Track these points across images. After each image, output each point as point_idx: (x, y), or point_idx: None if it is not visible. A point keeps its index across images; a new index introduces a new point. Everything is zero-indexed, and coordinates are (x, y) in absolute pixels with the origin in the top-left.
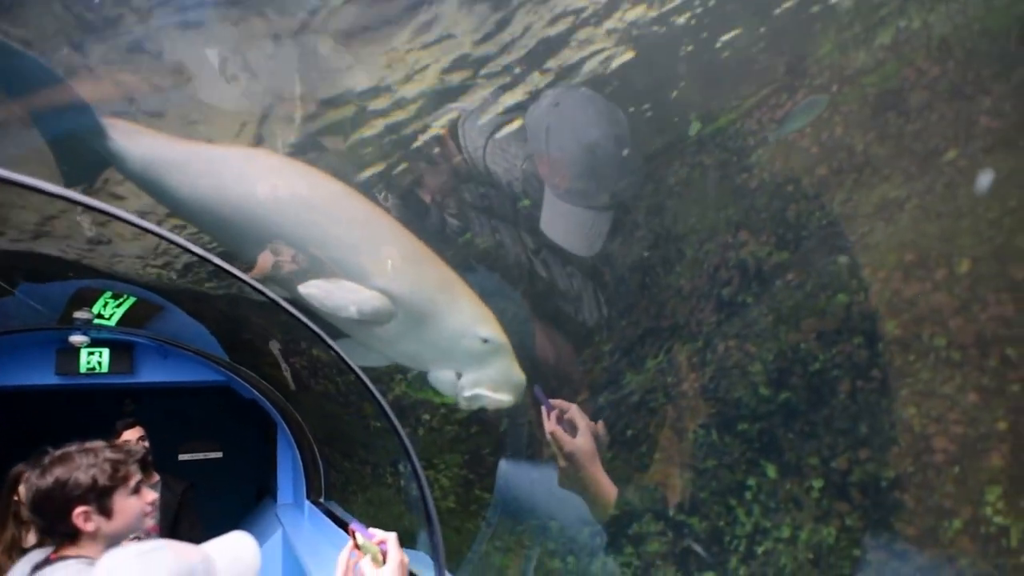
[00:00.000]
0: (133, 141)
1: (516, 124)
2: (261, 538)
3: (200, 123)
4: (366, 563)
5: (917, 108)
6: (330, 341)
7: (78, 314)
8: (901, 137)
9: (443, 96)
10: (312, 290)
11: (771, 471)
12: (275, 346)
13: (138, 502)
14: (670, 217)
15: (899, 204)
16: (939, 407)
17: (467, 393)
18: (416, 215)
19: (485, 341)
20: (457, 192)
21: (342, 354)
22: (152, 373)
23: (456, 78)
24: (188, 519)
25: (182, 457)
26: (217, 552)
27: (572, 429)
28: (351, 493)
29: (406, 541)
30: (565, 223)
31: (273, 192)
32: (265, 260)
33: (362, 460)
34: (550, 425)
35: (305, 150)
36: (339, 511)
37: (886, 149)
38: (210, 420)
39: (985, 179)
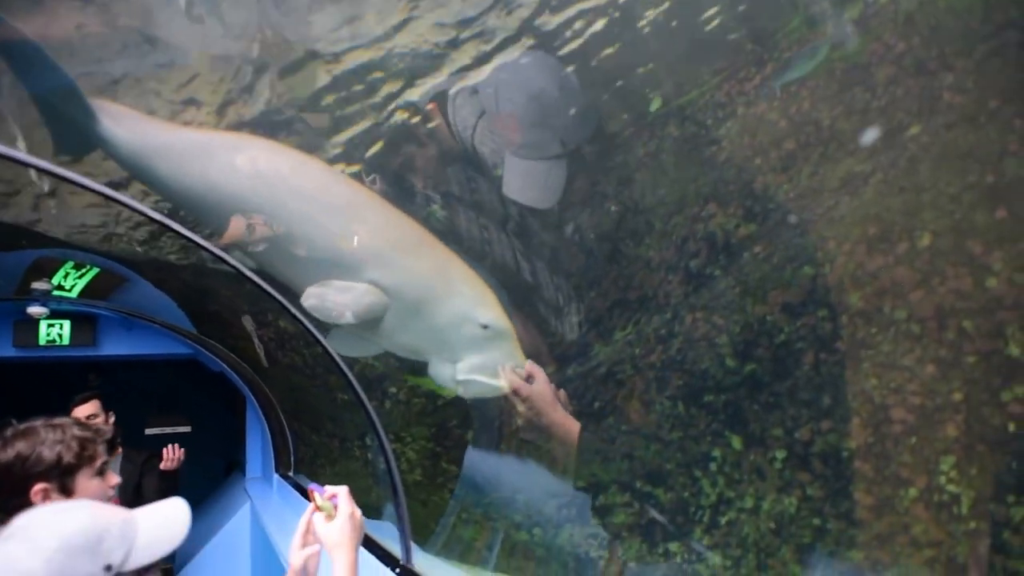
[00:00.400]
0: (123, 126)
1: None
2: (229, 512)
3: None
4: (319, 518)
5: (883, 83)
6: (296, 312)
7: (36, 285)
8: (867, 112)
9: (426, 63)
10: (312, 300)
11: (736, 442)
12: (249, 322)
13: (101, 484)
14: (639, 189)
15: (864, 178)
16: (898, 378)
17: (461, 377)
18: (393, 184)
19: (485, 327)
20: (441, 169)
21: (308, 325)
22: (116, 346)
23: (434, 41)
24: (150, 489)
25: (149, 431)
26: (143, 516)
27: (529, 378)
28: (319, 467)
29: (372, 514)
30: (523, 179)
31: (261, 178)
32: (235, 228)
33: (330, 433)
34: (506, 374)
35: (277, 118)
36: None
37: (852, 124)
38: (177, 393)
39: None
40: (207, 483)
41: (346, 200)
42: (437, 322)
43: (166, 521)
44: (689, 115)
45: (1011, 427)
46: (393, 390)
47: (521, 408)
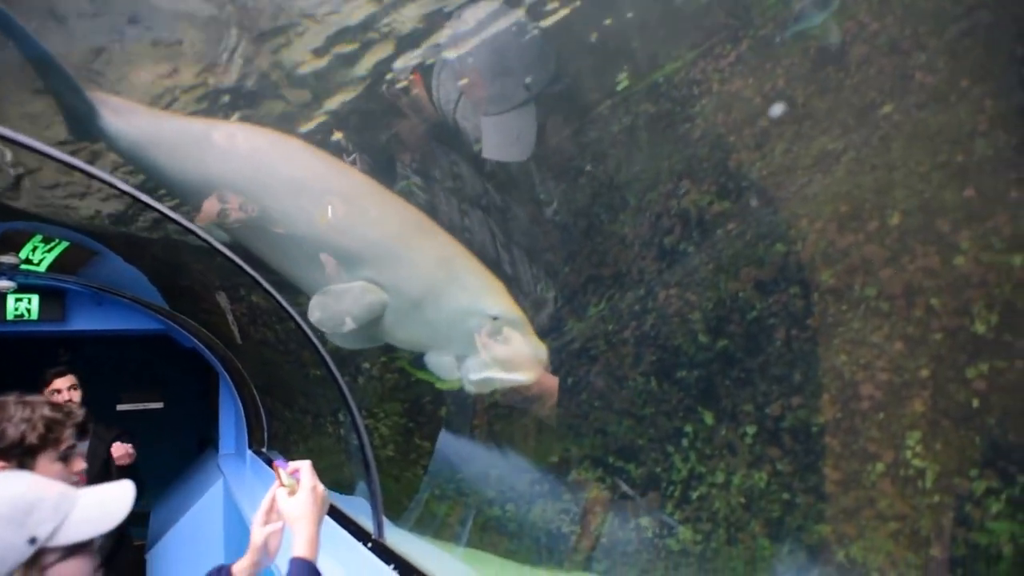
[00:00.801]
0: (123, 119)
1: None
2: (202, 488)
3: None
4: (282, 494)
5: (857, 62)
6: (268, 287)
7: (3, 258)
8: (840, 90)
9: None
10: (316, 313)
11: (708, 418)
12: (223, 299)
13: (64, 470)
14: (614, 165)
15: (836, 156)
16: (867, 355)
17: (475, 376)
18: (375, 159)
19: (495, 319)
20: (421, 142)
21: (281, 300)
22: (86, 321)
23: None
24: (117, 470)
25: (121, 408)
26: (85, 493)
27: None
28: (292, 443)
29: (345, 490)
30: (498, 135)
31: (258, 168)
32: (210, 207)
33: (303, 409)
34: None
35: (257, 86)
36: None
37: (826, 102)
38: (149, 370)
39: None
40: (180, 460)
41: (347, 191)
42: (442, 316)
43: (107, 501)
44: (664, 91)
45: (975, 403)
46: (367, 366)
47: (536, 391)
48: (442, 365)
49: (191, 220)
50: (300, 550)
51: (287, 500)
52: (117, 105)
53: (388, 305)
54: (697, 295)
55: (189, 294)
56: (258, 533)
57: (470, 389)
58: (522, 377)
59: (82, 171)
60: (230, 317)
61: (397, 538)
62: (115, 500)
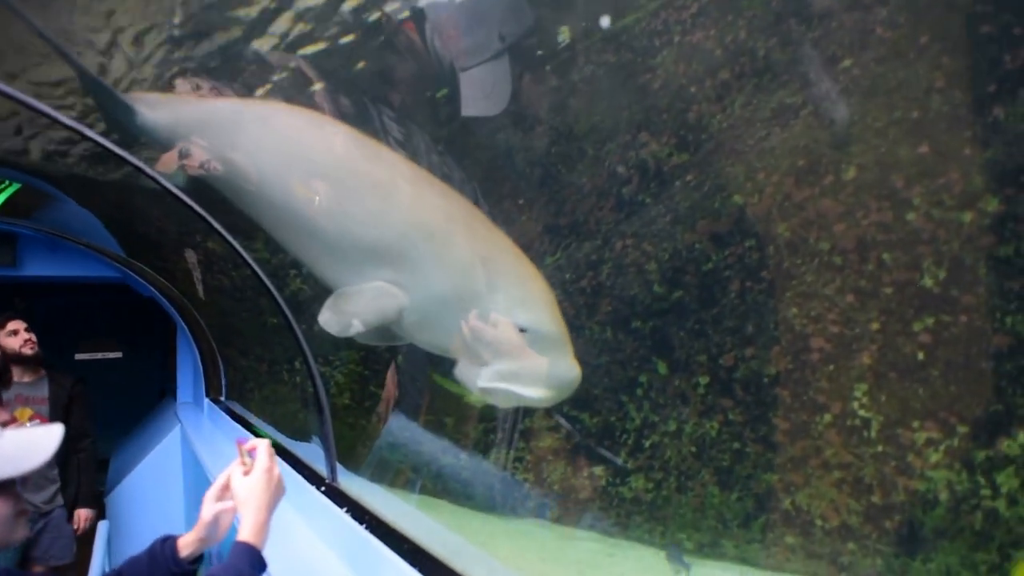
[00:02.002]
0: (158, 112)
1: None
2: (159, 436)
3: None
4: (237, 471)
5: (819, 15)
6: (224, 232)
7: None
8: (802, 44)
9: None
10: (325, 315)
11: (662, 368)
12: (192, 256)
13: None
14: (572, 115)
15: (795, 110)
16: (819, 307)
17: (482, 383)
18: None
19: (523, 331)
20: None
21: (236, 245)
22: (39, 267)
23: None
24: (79, 414)
25: (79, 357)
26: (7, 435)
27: None
28: (248, 391)
29: (301, 436)
30: (476, 90)
31: (289, 151)
32: (170, 158)
33: (259, 358)
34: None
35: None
36: (239, 409)
37: (786, 55)
38: (107, 319)
39: None
40: (140, 408)
41: (381, 178)
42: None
43: (30, 442)
44: (625, 41)
45: (920, 356)
46: None
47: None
48: (471, 379)
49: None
50: (245, 534)
51: (240, 479)
52: (152, 100)
53: (409, 307)
54: (653, 246)
55: (146, 242)
56: (208, 509)
57: (479, 394)
58: (537, 396)
59: (34, 108)
60: (196, 275)
61: (352, 484)
62: (39, 442)
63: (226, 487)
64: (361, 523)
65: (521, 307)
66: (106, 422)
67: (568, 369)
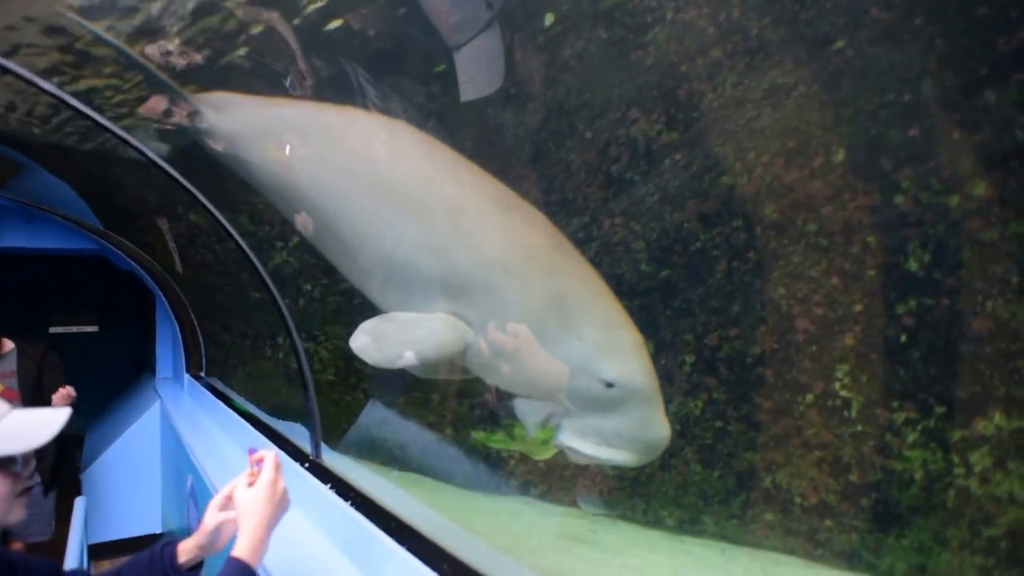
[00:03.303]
0: (222, 115)
1: None
2: (138, 411)
3: None
4: (242, 482)
5: None
6: (208, 204)
7: None
8: (795, 23)
9: None
10: (360, 340)
11: (648, 346)
12: (164, 225)
13: None
14: (563, 91)
15: (787, 91)
16: (805, 289)
17: (566, 442)
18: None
19: (610, 386)
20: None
21: (221, 218)
22: (13, 238)
23: None
24: (53, 381)
25: (53, 330)
26: (13, 413)
27: None
28: (231, 367)
29: (284, 412)
30: (471, 68)
31: (360, 166)
32: (156, 104)
33: (242, 333)
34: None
35: None
36: (220, 385)
37: (779, 34)
38: (84, 291)
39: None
40: (116, 383)
41: (459, 198)
42: (542, 368)
43: (35, 422)
44: (618, 18)
45: (902, 338)
46: (308, 287)
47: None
48: (529, 415)
49: (127, 128)
50: (240, 550)
51: (243, 491)
52: (216, 101)
53: (475, 345)
54: (642, 225)
55: (124, 213)
56: (211, 517)
57: (562, 449)
58: (625, 460)
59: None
60: (171, 244)
61: (337, 463)
62: (43, 423)
63: (231, 497)
64: (346, 500)
65: (608, 358)
66: (81, 397)
67: (659, 429)
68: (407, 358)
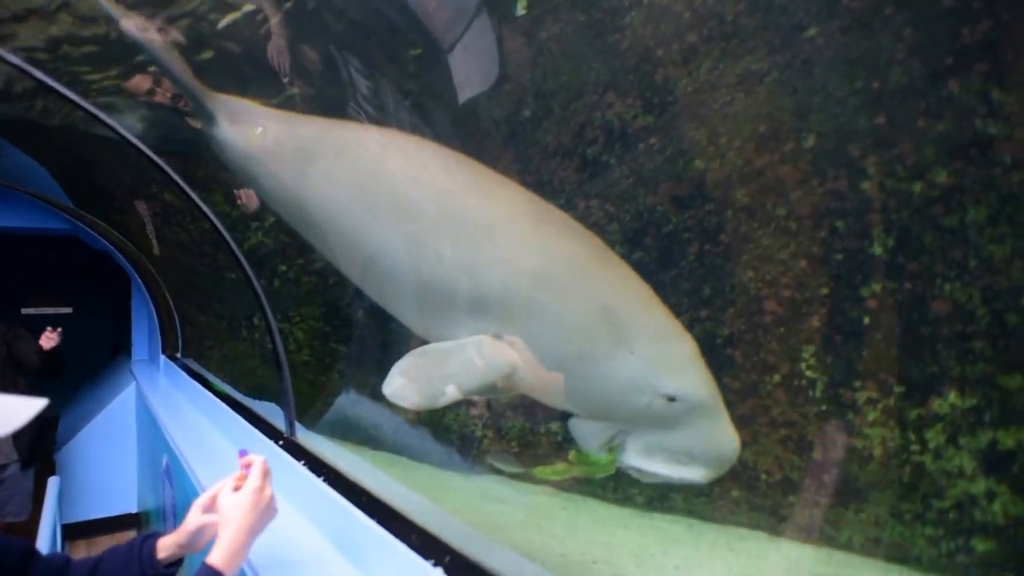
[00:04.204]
0: (236, 125)
1: None
2: (113, 392)
3: None
4: (228, 484)
5: None
6: (182, 183)
7: None
8: (769, 10)
9: None
10: (395, 384)
11: None
12: (142, 206)
13: None
14: (540, 73)
15: (760, 76)
16: (773, 272)
17: (633, 463)
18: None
19: (672, 400)
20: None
21: (195, 197)
22: None
23: None
24: (26, 349)
25: (26, 311)
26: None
27: None
28: (207, 348)
29: (260, 393)
30: (470, 62)
31: (381, 183)
32: (139, 82)
33: (218, 314)
34: None
35: None
36: (196, 367)
37: (754, 20)
38: (57, 273)
39: None
40: (91, 365)
41: (489, 212)
42: (597, 387)
43: (5, 408)
44: (595, 1)
45: (866, 320)
46: (283, 268)
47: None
48: (589, 436)
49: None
50: (216, 557)
51: (228, 495)
52: (233, 109)
53: (523, 367)
54: (616, 207)
55: (98, 193)
56: (194, 518)
57: (633, 474)
58: (696, 477)
59: None
60: (149, 227)
61: (310, 440)
62: (13, 411)
63: (216, 498)
64: (319, 475)
65: (666, 371)
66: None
67: (728, 441)
68: (450, 393)
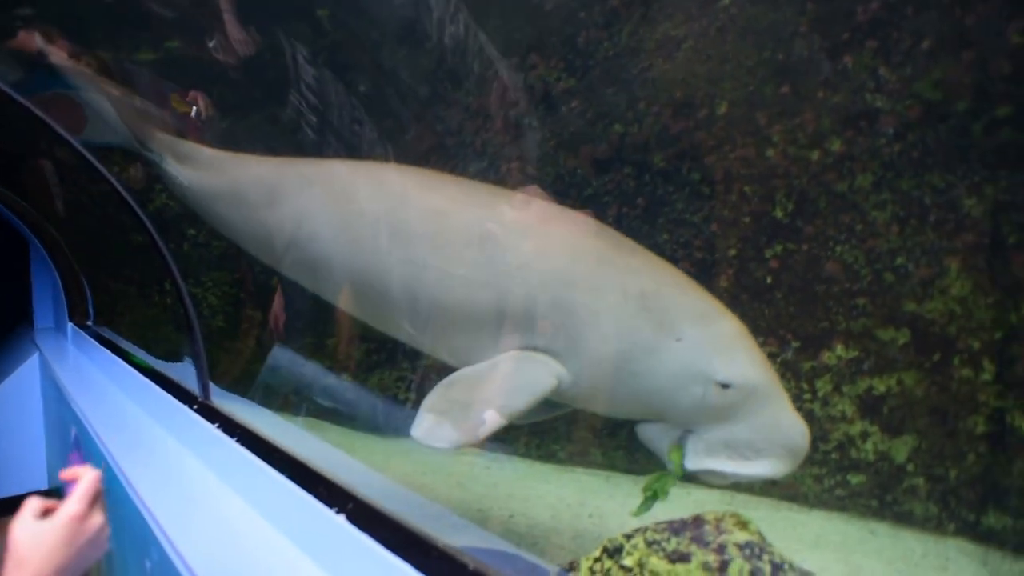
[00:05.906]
0: (189, 166)
1: None
2: (13, 364)
3: None
4: (29, 508)
5: None
6: (75, 143)
7: None
8: None
9: None
10: (426, 426)
11: None
12: (48, 166)
13: None
14: (462, 32)
15: (677, 43)
16: (687, 234)
17: (697, 465)
18: None
19: (726, 387)
20: None
21: (89, 156)
22: None
23: None
24: None
25: None
26: None
27: None
28: (118, 315)
29: (175, 358)
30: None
31: (359, 213)
32: (27, 39)
33: (128, 279)
34: None
35: None
36: (107, 334)
37: None
38: None
39: None
40: None
41: (484, 222)
42: (644, 384)
43: None
44: None
45: (768, 280)
46: (192, 232)
47: None
48: (656, 440)
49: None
50: None
51: (26, 524)
52: (179, 149)
53: (567, 377)
54: (537, 169)
55: None
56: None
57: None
58: (769, 472)
59: None
60: (54, 188)
61: (226, 403)
62: None
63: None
64: (232, 436)
65: (716, 355)
66: None
67: (793, 427)
68: (490, 420)
